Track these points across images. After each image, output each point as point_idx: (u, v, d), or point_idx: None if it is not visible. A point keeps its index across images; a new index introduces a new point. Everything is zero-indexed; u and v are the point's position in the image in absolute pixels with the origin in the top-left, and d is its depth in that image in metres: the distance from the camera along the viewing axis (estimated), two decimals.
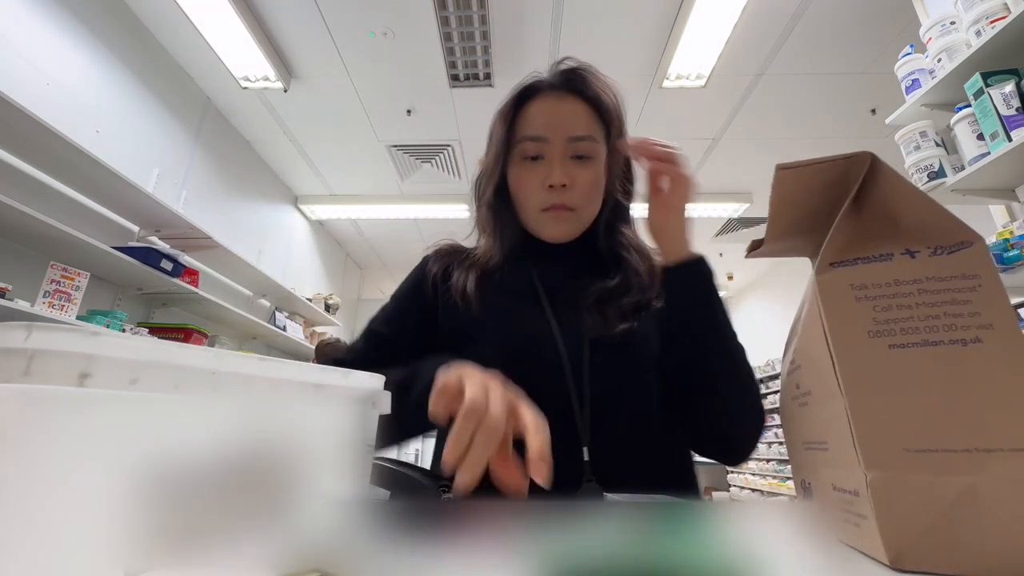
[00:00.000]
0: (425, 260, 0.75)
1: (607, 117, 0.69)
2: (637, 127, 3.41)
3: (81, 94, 2.29)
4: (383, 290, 6.23)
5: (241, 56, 2.74)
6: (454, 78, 2.96)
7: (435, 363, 0.48)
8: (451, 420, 0.37)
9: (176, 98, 2.91)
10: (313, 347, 3.96)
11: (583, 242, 0.71)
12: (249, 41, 2.61)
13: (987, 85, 1.44)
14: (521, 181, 0.68)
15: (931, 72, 1.72)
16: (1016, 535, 0.29)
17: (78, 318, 2.02)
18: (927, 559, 0.30)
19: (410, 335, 0.68)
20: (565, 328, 0.63)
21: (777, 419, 5.92)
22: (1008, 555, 0.29)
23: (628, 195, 0.76)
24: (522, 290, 0.68)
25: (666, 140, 0.61)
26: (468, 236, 0.80)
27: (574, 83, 0.68)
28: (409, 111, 3.28)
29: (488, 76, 2.94)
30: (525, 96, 0.70)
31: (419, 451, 4.21)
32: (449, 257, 0.74)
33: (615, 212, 0.74)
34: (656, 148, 0.60)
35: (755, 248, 0.46)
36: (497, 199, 0.71)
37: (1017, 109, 1.38)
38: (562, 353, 0.60)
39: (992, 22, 1.49)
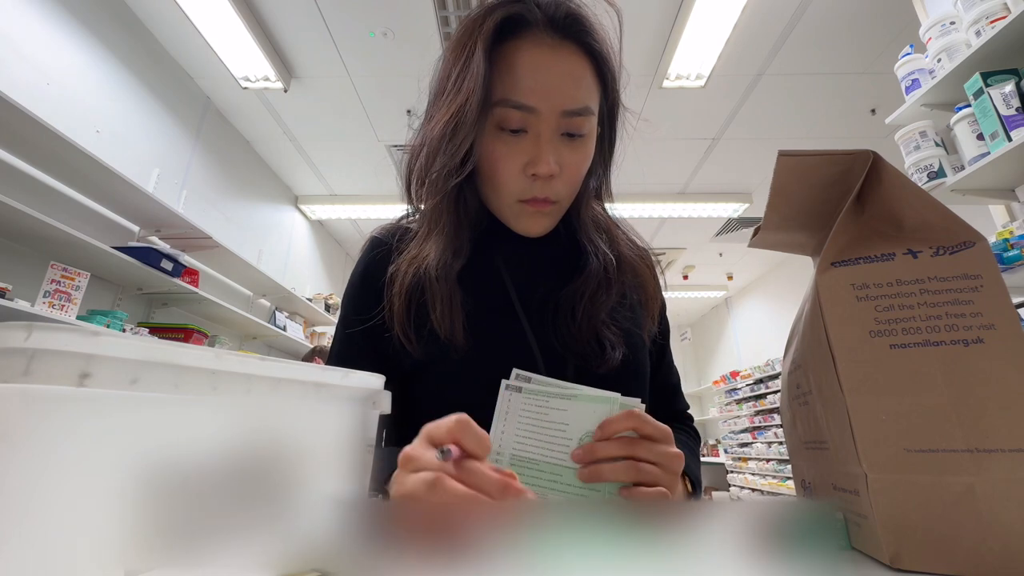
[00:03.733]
0: (367, 268, 0.60)
1: (608, 77, 0.55)
2: (637, 127, 3.40)
3: (81, 94, 2.29)
4: None
5: (241, 56, 2.74)
6: None
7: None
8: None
9: (176, 98, 2.91)
10: (313, 347, 3.95)
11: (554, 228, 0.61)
12: (249, 41, 2.61)
13: (987, 85, 1.44)
14: (496, 159, 0.53)
15: (931, 72, 1.72)
16: (1016, 535, 0.29)
17: (78, 318, 2.02)
18: (926, 559, 0.30)
19: (379, 361, 0.56)
20: (546, 352, 0.54)
21: (777, 419, 5.91)
22: (1008, 555, 0.29)
23: (609, 158, 0.63)
24: (493, 296, 0.57)
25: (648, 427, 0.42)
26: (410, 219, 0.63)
27: (577, 29, 0.52)
28: (409, 111, 3.28)
29: None
30: (506, 29, 0.52)
31: None
32: (391, 254, 0.59)
33: (591, 185, 0.62)
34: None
35: (754, 235, 0.46)
36: (464, 180, 0.54)
37: (1017, 109, 1.38)
38: None
39: (992, 22, 1.49)
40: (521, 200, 0.55)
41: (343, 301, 0.62)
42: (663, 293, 0.69)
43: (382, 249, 0.61)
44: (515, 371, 0.47)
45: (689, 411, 0.71)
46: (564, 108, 0.51)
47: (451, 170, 0.53)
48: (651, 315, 0.63)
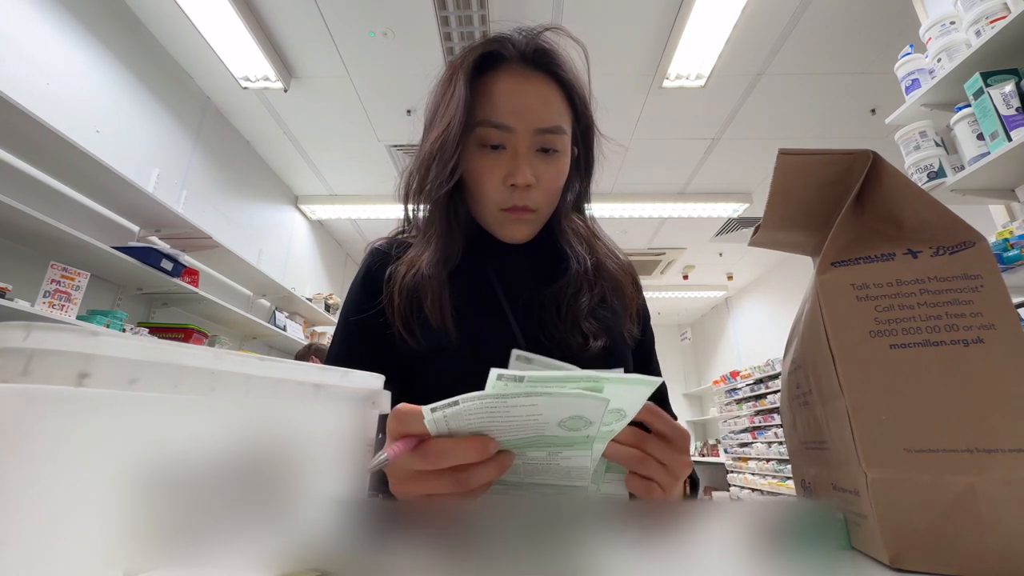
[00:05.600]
0: (367, 274, 0.65)
1: (577, 102, 0.63)
2: (637, 127, 3.41)
3: (81, 94, 2.29)
4: None
5: (241, 56, 2.74)
6: None
7: None
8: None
9: (176, 98, 2.91)
10: (308, 344, 3.95)
11: (536, 235, 0.67)
12: (249, 41, 2.61)
13: (987, 85, 1.44)
14: (480, 173, 0.60)
15: (931, 72, 1.72)
16: (1016, 535, 0.29)
17: (78, 318, 2.02)
18: (926, 559, 0.30)
19: (376, 357, 0.60)
20: (532, 345, 0.58)
21: (777, 419, 5.89)
22: (1007, 555, 0.29)
23: (586, 177, 0.70)
24: (483, 297, 0.62)
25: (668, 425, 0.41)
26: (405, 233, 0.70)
27: (546, 61, 0.61)
28: (409, 111, 3.28)
29: None
30: (486, 64, 0.61)
31: None
32: (390, 262, 0.64)
33: (568, 199, 0.69)
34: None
35: (755, 234, 0.46)
36: (452, 192, 0.62)
37: (1017, 109, 1.38)
38: None
39: (992, 22, 1.49)
40: (503, 209, 0.61)
41: (344, 303, 0.66)
42: (646, 300, 0.74)
43: (381, 257, 0.66)
44: (515, 352, 0.46)
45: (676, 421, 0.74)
46: (537, 126, 0.59)
47: (442, 181, 0.60)
48: (630, 315, 0.68)
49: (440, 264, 0.61)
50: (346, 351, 0.63)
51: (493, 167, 0.59)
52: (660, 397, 0.73)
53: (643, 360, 0.70)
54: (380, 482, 0.44)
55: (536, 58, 0.61)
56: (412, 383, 0.59)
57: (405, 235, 0.70)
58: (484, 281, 0.64)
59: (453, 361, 0.57)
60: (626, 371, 0.63)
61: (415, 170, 0.65)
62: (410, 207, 0.68)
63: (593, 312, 0.63)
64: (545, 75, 0.61)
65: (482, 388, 0.47)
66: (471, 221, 0.66)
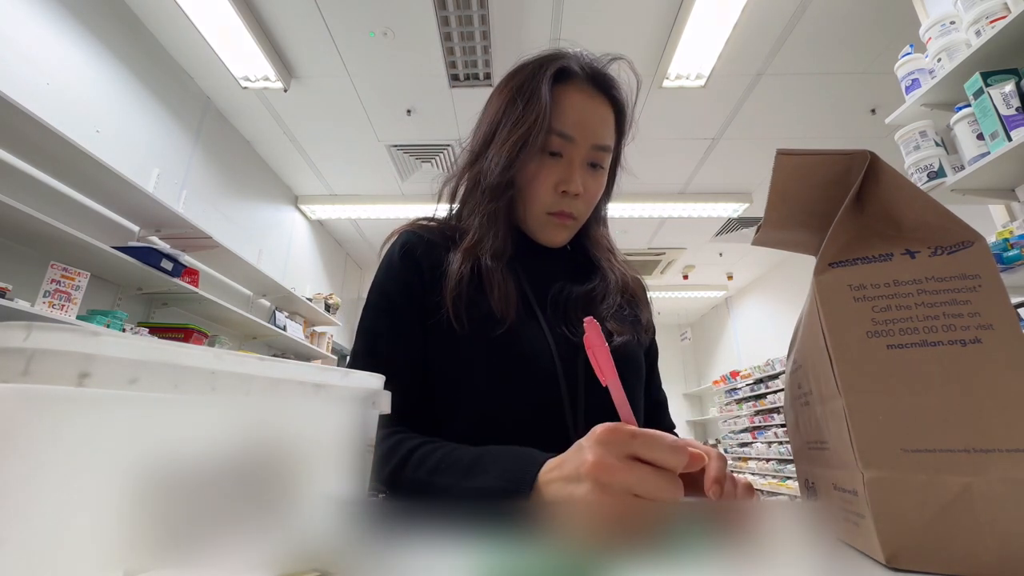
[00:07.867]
0: (411, 255, 0.64)
1: (624, 128, 0.70)
2: (637, 127, 3.40)
3: (81, 94, 2.29)
4: None
5: (241, 56, 2.74)
6: (454, 78, 2.96)
7: (514, 456, 0.43)
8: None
9: (176, 98, 2.91)
10: (313, 347, 3.97)
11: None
12: (249, 41, 2.61)
13: (987, 85, 1.44)
14: (535, 175, 0.63)
15: (931, 72, 1.72)
16: (1013, 535, 0.29)
17: (78, 318, 2.02)
18: (923, 558, 0.30)
19: (421, 352, 0.61)
20: (559, 340, 0.60)
21: (777, 419, 5.86)
22: (1004, 555, 0.29)
23: (606, 197, 0.75)
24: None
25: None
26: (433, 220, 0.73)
27: (608, 84, 0.66)
28: (409, 111, 3.28)
29: (488, 76, 2.94)
30: (559, 75, 0.65)
31: None
32: (432, 246, 0.65)
33: (596, 212, 0.74)
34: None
35: (757, 232, 0.46)
36: (509, 188, 0.64)
37: (1017, 109, 1.38)
38: (558, 370, 0.58)
39: (992, 22, 1.49)
40: (550, 212, 0.65)
41: (379, 279, 0.65)
42: (654, 321, 0.77)
43: (417, 239, 0.66)
44: None
45: (675, 430, 0.76)
46: (595, 142, 0.63)
47: (511, 180, 0.64)
48: (643, 326, 0.71)
49: (502, 254, 0.64)
50: (394, 325, 0.61)
51: (549, 173, 0.63)
52: (661, 405, 0.75)
53: (648, 372, 0.72)
54: (380, 482, 0.44)
55: (600, 79, 0.65)
56: (442, 363, 0.59)
57: (430, 222, 0.71)
58: (513, 279, 0.65)
59: (488, 348, 0.58)
60: (638, 377, 0.66)
61: (471, 163, 0.68)
62: (447, 204, 0.71)
63: (615, 315, 0.66)
64: (605, 97, 0.65)
65: (501, 383, 0.45)
66: (513, 225, 0.68)
